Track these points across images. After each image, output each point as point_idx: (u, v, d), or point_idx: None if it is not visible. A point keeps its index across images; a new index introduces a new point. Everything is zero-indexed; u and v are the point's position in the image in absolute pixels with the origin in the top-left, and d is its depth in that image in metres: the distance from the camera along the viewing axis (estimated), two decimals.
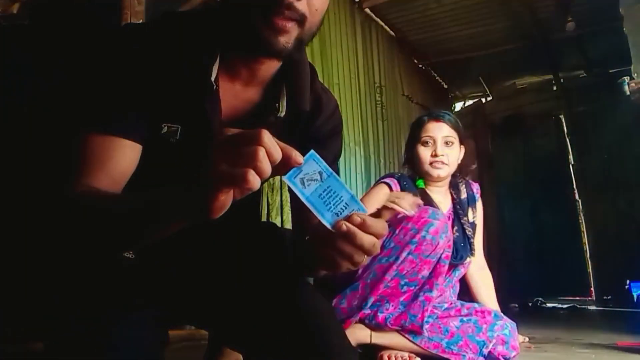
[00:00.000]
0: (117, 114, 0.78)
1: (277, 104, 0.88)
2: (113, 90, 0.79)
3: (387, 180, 1.81)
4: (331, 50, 3.52)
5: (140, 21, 2.01)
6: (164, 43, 0.81)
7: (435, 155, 1.79)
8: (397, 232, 1.61)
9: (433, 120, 1.85)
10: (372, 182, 3.80)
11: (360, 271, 1.62)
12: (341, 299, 1.62)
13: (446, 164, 1.80)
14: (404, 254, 1.58)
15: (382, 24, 4.50)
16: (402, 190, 1.79)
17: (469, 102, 6.48)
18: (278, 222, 2.74)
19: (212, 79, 0.81)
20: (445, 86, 6.13)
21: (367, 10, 4.20)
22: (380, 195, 1.76)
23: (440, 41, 4.94)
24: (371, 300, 1.61)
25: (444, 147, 1.80)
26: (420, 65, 5.35)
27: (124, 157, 0.79)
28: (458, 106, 6.51)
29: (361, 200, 1.70)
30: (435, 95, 5.68)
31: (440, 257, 1.62)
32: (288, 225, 2.80)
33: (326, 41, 3.48)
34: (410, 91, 4.86)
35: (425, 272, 1.61)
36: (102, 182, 0.75)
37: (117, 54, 0.80)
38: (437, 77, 5.83)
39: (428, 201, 1.81)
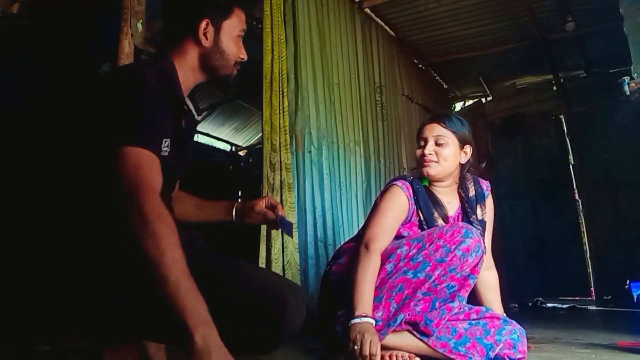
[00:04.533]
0: (155, 136, 1.11)
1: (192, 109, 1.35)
2: (150, 116, 1.11)
3: (398, 183, 1.82)
4: (331, 50, 3.52)
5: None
6: (162, 80, 1.18)
7: (423, 155, 1.82)
8: (427, 246, 1.62)
9: (429, 122, 1.89)
10: (372, 182, 3.82)
11: (378, 281, 1.62)
12: None
13: (435, 161, 1.81)
14: (435, 273, 1.59)
15: (382, 24, 4.49)
16: (414, 193, 1.80)
17: (469, 102, 6.48)
18: None
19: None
20: (445, 86, 6.13)
21: (367, 10, 4.20)
22: (402, 203, 1.78)
23: (440, 41, 4.94)
24: (401, 318, 1.60)
25: (434, 146, 1.82)
26: (420, 65, 5.35)
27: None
28: (458, 106, 6.51)
29: (382, 203, 1.78)
30: (435, 95, 5.68)
31: (468, 274, 1.64)
32: None
33: (326, 41, 3.48)
34: (410, 91, 4.85)
35: (452, 285, 1.64)
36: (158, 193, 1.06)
37: (142, 87, 1.12)
38: (437, 77, 5.83)
39: (435, 200, 1.83)
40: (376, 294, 1.61)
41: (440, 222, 1.80)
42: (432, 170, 1.81)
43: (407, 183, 1.82)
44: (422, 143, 1.85)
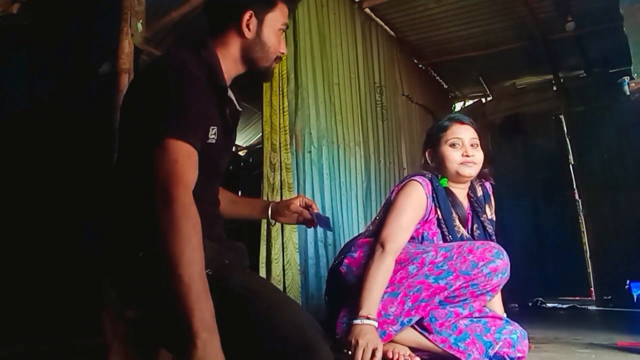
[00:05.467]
0: (196, 127, 1.10)
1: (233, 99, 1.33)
2: (192, 107, 1.10)
3: (418, 179, 1.81)
4: (331, 50, 3.52)
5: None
6: (205, 69, 1.19)
7: (467, 155, 1.82)
8: (454, 257, 1.62)
9: (458, 123, 1.89)
10: (372, 182, 3.83)
11: (397, 278, 1.64)
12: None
13: (476, 164, 1.83)
14: (457, 283, 1.60)
15: (382, 24, 4.49)
16: (433, 190, 1.80)
17: (469, 102, 6.48)
18: None
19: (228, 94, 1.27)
20: (445, 86, 6.13)
21: (367, 10, 4.19)
22: (421, 199, 1.77)
23: (440, 41, 4.94)
24: (416, 318, 1.62)
25: (472, 149, 1.84)
26: (420, 65, 5.35)
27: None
28: (458, 106, 6.51)
29: (400, 200, 1.77)
30: (435, 95, 5.68)
31: (487, 291, 1.65)
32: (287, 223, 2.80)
33: (326, 41, 3.48)
34: (410, 91, 4.85)
35: (468, 298, 1.65)
36: (191, 189, 1.05)
37: (184, 77, 1.12)
38: (437, 77, 5.83)
39: (455, 202, 1.83)
40: (393, 289, 1.63)
41: (457, 222, 1.81)
42: (474, 171, 1.83)
43: (427, 180, 1.81)
44: (459, 143, 1.84)
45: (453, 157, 1.83)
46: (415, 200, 1.76)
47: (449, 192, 1.84)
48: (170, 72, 1.13)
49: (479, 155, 1.84)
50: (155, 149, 1.06)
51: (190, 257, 0.98)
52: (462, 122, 1.88)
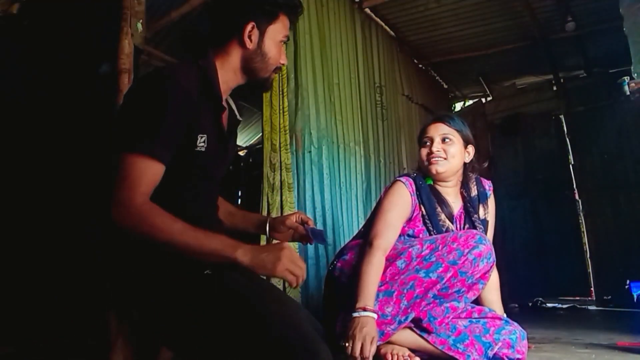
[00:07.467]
0: (162, 144, 1.11)
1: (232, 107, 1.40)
2: (167, 120, 1.11)
3: (402, 179, 1.85)
4: (331, 50, 3.52)
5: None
6: (200, 78, 1.21)
7: (430, 153, 1.84)
8: (439, 248, 1.64)
9: (432, 122, 1.92)
10: (372, 182, 3.83)
11: (388, 275, 1.65)
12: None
13: (443, 158, 1.83)
14: (447, 275, 1.61)
15: (382, 24, 4.49)
16: (416, 188, 1.83)
17: (469, 102, 6.48)
18: None
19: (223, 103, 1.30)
20: (445, 86, 6.12)
21: (367, 10, 4.19)
22: (405, 197, 1.81)
23: (440, 41, 4.93)
24: (412, 316, 1.63)
25: (441, 144, 1.84)
26: (420, 65, 5.34)
27: (157, 177, 1.12)
28: (458, 106, 6.51)
29: (386, 199, 1.82)
30: (435, 95, 5.68)
31: (478, 279, 1.66)
32: None
33: (326, 41, 3.48)
34: (410, 91, 4.85)
35: (462, 290, 1.66)
36: (144, 195, 1.08)
37: (172, 91, 1.13)
38: (437, 77, 5.83)
39: (439, 199, 1.85)
40: (387, 288, 1.63)
41: (443, 217, 1.82)
42: (441, 167, 1.83)
43: (411, 179, 1.85)
44: (428, 142, 1.86)
45: (421, 156, 1.89)
46: (400, 198, 1.80)
47: (434, 190, 1.86)
48: (154, 83, 1.15)
49: (450, 151, 1.84)
50: (117, 160, 1.09)
51: (177, 227, 1.05)
52: (436, 121, 1.91)
